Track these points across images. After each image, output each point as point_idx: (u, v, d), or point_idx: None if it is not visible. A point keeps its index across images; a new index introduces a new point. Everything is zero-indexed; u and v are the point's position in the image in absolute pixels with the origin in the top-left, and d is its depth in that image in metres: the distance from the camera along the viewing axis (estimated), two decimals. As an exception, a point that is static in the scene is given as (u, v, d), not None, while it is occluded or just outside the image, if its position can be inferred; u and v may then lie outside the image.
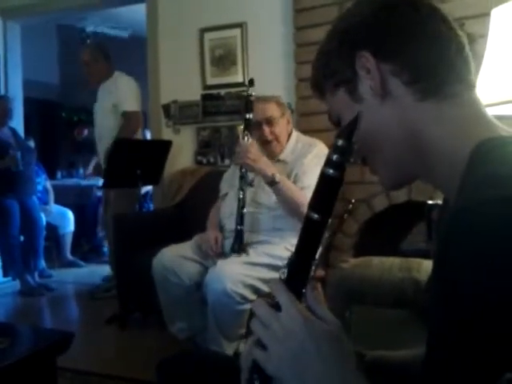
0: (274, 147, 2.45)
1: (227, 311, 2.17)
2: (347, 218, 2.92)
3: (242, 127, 2.35)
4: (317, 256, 0.67)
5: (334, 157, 0.63)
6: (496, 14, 1.68)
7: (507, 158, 0.58)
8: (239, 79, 3.57)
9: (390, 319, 1.60)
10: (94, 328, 3.28)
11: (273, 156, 2.47)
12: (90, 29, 6.80)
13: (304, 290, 0.66)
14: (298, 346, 0.61)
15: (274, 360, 0.62)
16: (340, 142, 0.63)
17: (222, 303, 2.15)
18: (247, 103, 2.33)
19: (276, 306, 0.64)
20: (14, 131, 4.31)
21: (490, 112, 1.73)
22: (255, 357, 0.64)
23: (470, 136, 0.65)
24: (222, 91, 3.66)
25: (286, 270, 0.67)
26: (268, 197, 2.33)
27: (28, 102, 5.29)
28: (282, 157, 2.47)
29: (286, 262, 0.68)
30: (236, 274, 2.16)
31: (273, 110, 2.42)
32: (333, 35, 0.76)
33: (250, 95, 2.32)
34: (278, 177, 2.22)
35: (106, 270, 4.60)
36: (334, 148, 0.63)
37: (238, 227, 2.31)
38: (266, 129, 2.41)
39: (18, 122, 4.62)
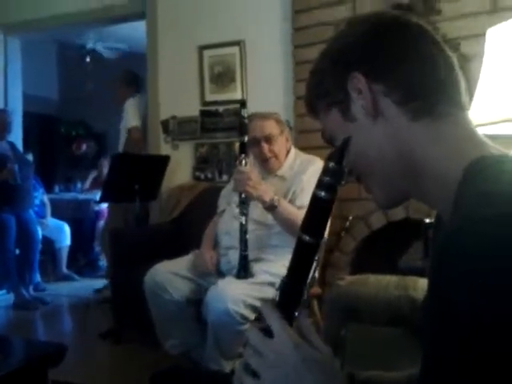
0: (273, 164, 2.46)
1: (228, 331, 2.15)
2: (344, 236, 2.92)
3: (238, 150, 2.35)
4: (309, 278, 0.66)
5: (326, 179, 0.63)
6: (491, 34, 1.70)
7: (500, 176, 0.59)
8: (238, 96, 3.59)
9: (386, 337, 1.59)
10: (89, 342, 3.25)
11: (271, 172, 2.48)
12: (89, 45, 6.84)
13: (296, 313, 0.66)
14: (289, 371, 0.62)
15: None
16: (331, 165, 0.63)
17: (223, 323, 2.14)
18: (241, 126, 2.33)
19: (268, 331, 0.64)
20: (12, 145, 4.33)
21: (486, 131, 1.75)
22: None
23: (463, 155, 0.65)
24: (221, 108, 3.68)
25: (278, 292, 0.67)
26: (263, 214, 2.33)
27: (27, 116, 5.31)
28: (280, 173, 2.48)
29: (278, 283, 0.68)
30: (237, 294, 2.15)
31: (272, 128, 2.42)
32: (325, 56, 0.78)
33: (244, 117, 2.31)
34: (276, 201, 2.22)
35: (100, 284, 4.58)
36: (324, 170, 0.64)
37: (242, 253, 2.29)
38: (265, 146, 2.41)
39: (17, 136, 4.63)
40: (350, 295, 1.73)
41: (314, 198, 0.64)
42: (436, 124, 0.70)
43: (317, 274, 2.55)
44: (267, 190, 2.26)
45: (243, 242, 2.29)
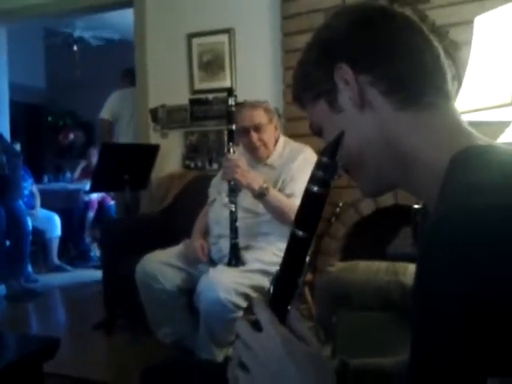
0: (262, 153, 2.46)
1: (220, 319, 2.17)
2: (334, 222, 2.94)
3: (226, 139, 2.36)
4: (302, 272, 0.67)
5: (319, 174, 0.63)
6: (479, 21, 1.71)
7: (486, 166, 0.59)
8: (227, 84, 3.58)
9: (377, 323, 1.61)
10: (81, 333, 3.26)
11: (260, 161, 2.48)
12: (76, 34, 6.77)
13: (289, 307, 0.66)
14: (277, 366, 0.62)
15: (255, 381, 0.63)
16: (324, 160, 0.63)
17: (215, 312, 2.15)
18: (229, 114, 2.33)
19: (258, 325, 0.65)
20: (-1, 135, 4.28)
21: (475, 118, 1.76)
22: (238, 378, 0.65)
23: (449, 145, 0.66)
24: (210, 96, 3.67)
25: (271, 287, 0.68)
26: (253, 202, 2.34)
27: (14, 106, 5.26)
28: (269, 161, 2.48)
29: (271, 277, 0.68)
30: (228, 283, 2.16)
31: (261, 117, 2.42)
32: (311, 47, 0.78)
33: (231, 106, 2.31)
34: (265, 189, 2.23)
35: (93, 274, 4.58)
36: (318, 165, 0.63)
37: (233, 241, 2.30)
38: (254, 135, 2.41)
39: (3, 126, 4.59)
40: (341, 282, 1.75)
41: (307, 193, 0.64)
42: (423, 114, 0.70)
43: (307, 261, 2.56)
44: (256, 177, 2.27)
45: (233, 230, 2.30)
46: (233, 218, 2.31)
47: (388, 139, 0.72)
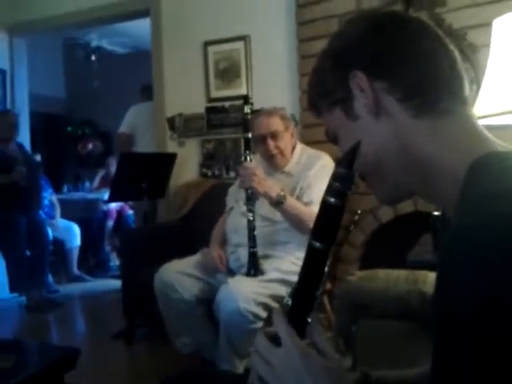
0: (279, 160, 2.45)
1: (240, 330, 2.15)
2: (353, 229, 2.91)
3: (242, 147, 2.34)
4: (321, 284, 0.66)
5: (336, 185, 0.62)
6: (498, 23, 1.68)
7: (505, 173, 0.58)
8: (243, 92, 3.58)
9: (397, 332, 1.58)
10: (102, 343, 3.27)
11: (277, 169, 2.47)
12: (95, 44, 6.85)
13: (309, 319, 0.66)
14: (295, 380, 0.62)
15: None
16: (341, 170, 0.62)
17: (235, 322, 2.13)
18: (245, 122, 2.32)
19: (277, 338, 0.65)
20: (20, 146, 4.33)
21: (494, 122, 1.73)
22: None
23: (468, 151, 0.65)
24: (227, 104, 3.67)
25: (289, 299, 0.67)
26: (270, 210, 2.32)
27: (34, 116, 5.32)
28: (286, 169, 2.47)
29: (290, 290, 0.68)
30: (248, 293, 2.14)
31: (277, 124, 2.41)
32: (326, 55, 0.77)
33: (247, 114, 2.30)
34: (282, 197, 2.21)
35: (112, 284, 4.60)
36: (334, 176, 0.63)
37: (251, 250, 2.28)
38: (271, 143, 2.40)
39: (24, 136, 4.65)
40: (360, 291, 1.73)
41: (324, 204, 0.64)
42: (440, 120, 0.69)
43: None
44: (273, 185, 2.25)
45: (251, 239, 2.29)
46: (251, 226, 2.29)
47: (405, 146, 0.70)
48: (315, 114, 0.82)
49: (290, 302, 0.67)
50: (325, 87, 0.76)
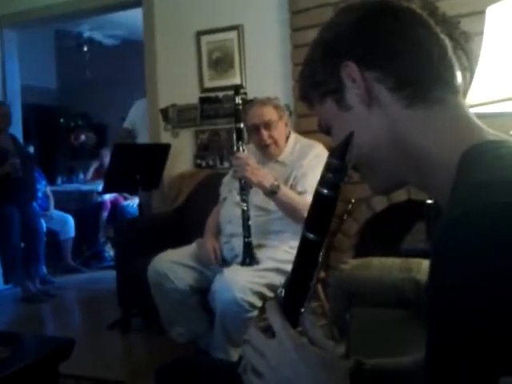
0: (273, 150, 2.45)
1: (236, 319, 2.16)
2: (347, 218, 2.92)
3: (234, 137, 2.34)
4: (314, 275, 0.66)
5: (329, 176, 0.62)
6: (491, 11, 1.68)
7: (497, 162, 0.58)
8: (237, 81, 3.56)
9: (391, 320, 1.59)
10: (97, 333, 3.28)
11: (271, 158, 2.47)
12: (86, 34, 6.80)
13: (303, 310, 0.66)
14: (290, 371, 0.62)
15: None
16: (334, 162, 0.62)
17: (231, 311, 2.14)
18: (236, 112, 2.32)
19: (270, 330, 0.65)
20: (13, 138, 4.31)
21: (487, 110, 1.73)
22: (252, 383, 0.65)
23: (460, 140, 0.65)
24: (220, 94, 3.65)
25: (283, 290, 0.67)
26: (264, 200, 2.32)
27: (26, 108, 5.29)
28: (280, 158, 2.47)
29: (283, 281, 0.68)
30: (244, 282, 2.15)
31: (270, 114, 2.41)
32: (316, 46, 0.77)
33: (238, 104, 2.30)
34: (276, 186, 2.21)
35: (107, 274, 4.60)
36: (327, 167, 0.63)
37: (246, 240, 2.29)
38: (265, 133, 2.40)
39: (16, 128, 4.62)
40: (354, 279, 1.74)
41: (317, 196, 0.63)
42: (432, 109, 0.69)
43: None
44: (266, 175, 2.25)
45: (246, 229, 2.29)
46: (245, 216, 2.29)
47: (397, 136, 0.70)
48: (307, 106, 0.82)
49: (283, 293, 0.67)
50: (316, 78, 0.76)
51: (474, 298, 0.48)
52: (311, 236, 0.64)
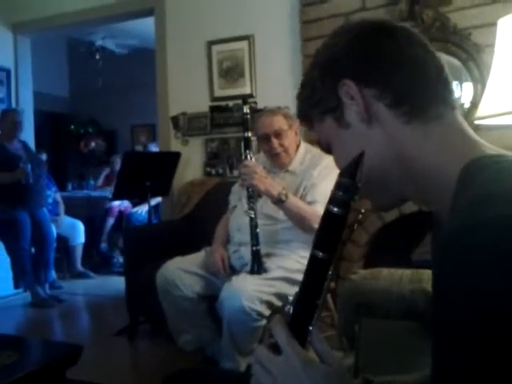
0: (284, 158, 2.45)
1: (243, 328, 2.16)
2: (357, 228, 2.90)
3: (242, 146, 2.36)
4: (323, 293, 0.66)
5: (339, 194, 0.63)
6: (503, 23, 1.68)
7: (497, 176, 0.58)
8: (247, 91, 3.59)
9: (400, 332, 1.58)
10: (105, 339, 3.28)
11: (282, 167, 2.47)
12: (99, 43, 6.86)
13: (311, 328, 0.66)
14: None
15: None
16: (344, 180, 0.63)
17: (239, 320, 2.14)
18: (244, 122, 2.33)
19: (277, 347, 0.65)
20: (24, 144, 4.34)
21: (498, 122, 1.72)
22: None
23: (459, 156, 0.65)
24: (230, 103, 3.67)
25: (291, 307, 0.67)
26: (273, 208, 2.32)
27: (38, 115, 5.33)
28: (290, 168, 2.47)
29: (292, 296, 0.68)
30: (252, 291, 2.14)
31: (280, 123, 2.42)
32: (314, 66, 0.78)
33: (246, 113, 2.31)
34: (283, 195, 2.21)
35: (116, 281, 4.60)
36: (337, 185, 0.63)
37: (254, 248, 2.28)
38: (275, 141, 2.41)
39: (29, 135, 4.66)
40: (364, 290, 1.73)
41: (327, 214, 0.64)
42: (430, 125, 0.70)
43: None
44: (274, 183, 2.26)
45: (254, 237, 2.29)
46: (253, 224, 2.30)
47: (397, 151, 0.71)
48: (307, 125, 0.83)
49: (291, 310, 0.68)
50: (315, 97, 0.77)
51: (476, 312, 0.48)
52: (320, 254, 0.64)
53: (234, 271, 2.42)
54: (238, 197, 2.61)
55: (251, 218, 2.30)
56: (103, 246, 5.65)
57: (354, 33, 0.75)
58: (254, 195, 2.31)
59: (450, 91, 0.72)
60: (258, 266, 2.28)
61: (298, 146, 2.52)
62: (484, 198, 0.55)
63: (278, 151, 2.42)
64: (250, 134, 2.32)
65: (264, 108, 2.64)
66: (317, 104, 0.77)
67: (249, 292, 2.13)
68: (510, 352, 0.47)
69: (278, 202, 2.23)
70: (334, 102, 0.74)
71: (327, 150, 0.80)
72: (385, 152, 0.71)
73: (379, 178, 0.74)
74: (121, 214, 5.73)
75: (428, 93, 0.71)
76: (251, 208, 2.30)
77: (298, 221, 2.25)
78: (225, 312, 2.18)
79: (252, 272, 2.27)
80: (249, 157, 2.30)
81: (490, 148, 0.67)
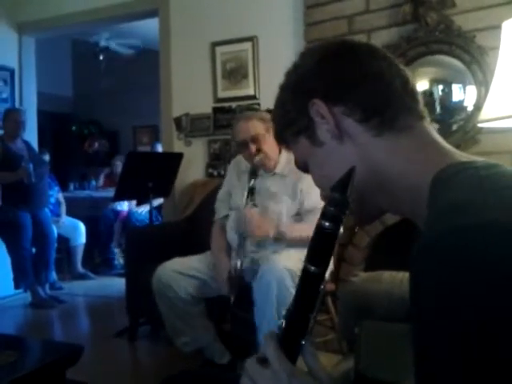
0: (267, 163, 2.44)
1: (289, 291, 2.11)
2: (358, 231, 2.90)
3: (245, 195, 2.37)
4: (315, 307, 0.67)
5: (330, 209, 0.64)
6: (507, 26, 1.67)
7: (467, 183, 0.60)
8: (250, 92, 3.58)
9: (401, 334, 1.57)
10: (104, 340, 3.27)
11: (267, 171, 2.46)
12: (103, 43, 6.87)
13: (303, 342, 0.66)
14: None
15: None
16: (335, 195, 0.64)
17: (284, 282, 2.12)
18: (252, 172, 2.39)
19: (266, 361, 0.66)
20: (27, 144, 4.35)
21: (502, 125, 1.71)
22: None
23: (430, 164, 0.67)
24: (234, 104, 3.67)
25: (283, 321, 0.67)
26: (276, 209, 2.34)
27: (42, 115, 5.34)
28: (278, 170, 2.46)
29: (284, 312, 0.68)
30: (291, 266, 2.15)
31: (257, 128, 2.40)
32: (285, 88, 0.81)
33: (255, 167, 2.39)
34: (281, 232, 2.29)
35: (116, 282, 4.60)
36: (329, 201, 0.64)
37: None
38: (253, 147, 2.39)
39: (31, 135, 4.66)
40: (364, 292, 1.72)
41: (319, 229, 0.65)
42: (400, 137, 0.72)
43: (332, 268, 2.55)
44: (270, 223, 2.32)
45: None
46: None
47: (371, 165, 0.73)
48: (284, 146, 0.85)
49: (283, 324, 0.68)
50: (287, 118, 0.79)
51: (451, 322, 0.49)
52: (312, 268, 0.65)
53: (243, 284, 2.37)
54: (225, 206, 2.60)
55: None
56: (114, 249, 5.60)
57: (319, 54, 0.77)
58: (253, 192, 2.33)
59: (416, 102, 0.75)
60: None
61: (280, 148, 2.50)
62: (454, 207, 0.56)
63: (259, 157, 2.40)
64: (252, 183, 2.35)
65: (239, 113, 2.65)
66: (290, 125, 0.79)
67: (288, 265, 2.16)
68: (485, 360, 0.47)
69: (279, 238, 2.30)
70: (305, 122, 0.76)
71: (304, 169, 0.82)
72: (359, 167, 0.71)
73: (357, 193, 0.74)
74: (128, 214, 5.70)
75: (394, 105, 0.73)
76: (254, 205, 2.33)
77: (304, 242, 2.24)
78: (270, 282, 2.13)
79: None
80: (247, 204, 2.33)
81: (462, 155, 0.69)
